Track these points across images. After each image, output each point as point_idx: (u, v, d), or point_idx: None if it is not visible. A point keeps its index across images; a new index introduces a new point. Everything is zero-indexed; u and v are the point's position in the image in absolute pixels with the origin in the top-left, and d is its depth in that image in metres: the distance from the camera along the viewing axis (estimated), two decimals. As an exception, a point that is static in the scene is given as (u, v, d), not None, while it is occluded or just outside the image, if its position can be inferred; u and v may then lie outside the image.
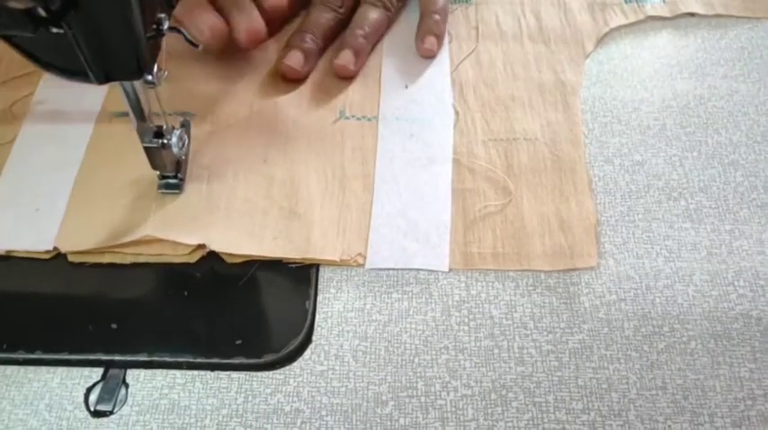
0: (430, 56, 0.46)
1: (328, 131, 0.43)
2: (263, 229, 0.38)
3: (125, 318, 0.36)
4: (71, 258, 0.38)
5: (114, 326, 0.36)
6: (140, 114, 0.35)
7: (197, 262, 0.38)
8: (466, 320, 0.36)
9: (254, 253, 0.38)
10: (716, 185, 0.41)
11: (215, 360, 0.35)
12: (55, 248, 0.38)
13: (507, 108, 0.44)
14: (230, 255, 0.38)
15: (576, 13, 0.49)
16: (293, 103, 0.44)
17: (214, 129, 0.43)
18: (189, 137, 0.40)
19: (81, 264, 0.38)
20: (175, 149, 0.37)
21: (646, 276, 0.37)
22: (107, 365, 0.35)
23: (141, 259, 0.38)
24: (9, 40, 0.29)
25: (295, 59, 0.44)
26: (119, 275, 0.38)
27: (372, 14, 0.46)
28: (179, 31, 0.34)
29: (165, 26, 0.32)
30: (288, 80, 0.45)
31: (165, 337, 0.35)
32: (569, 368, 0.35)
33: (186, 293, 0.37)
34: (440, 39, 0.46)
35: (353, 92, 0.45)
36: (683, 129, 0.43)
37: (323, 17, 0.46)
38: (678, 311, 0.36)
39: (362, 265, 0.38)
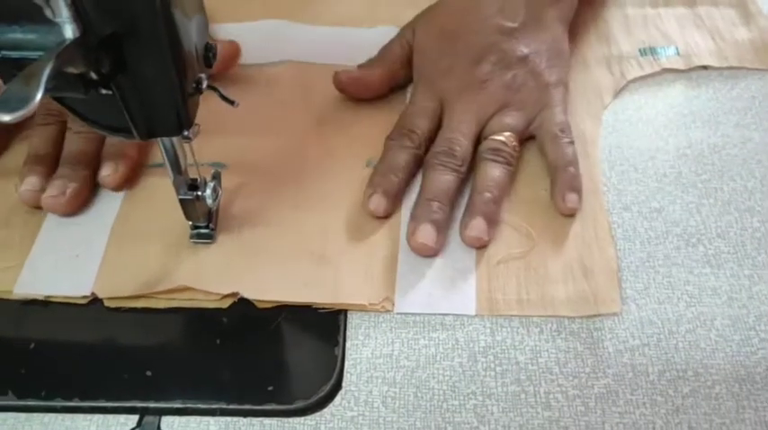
0: (573, 214, 0.42)
1: (356, 178, 0.44)
2: (294, 275, 0.40)
3: (159, 366, 0.37)
4: (107, 303, 0.39)
5: (149, 373, 0.36)
6: (177, 168, 0.36)
7: (228, 309, 0.39)
8: (492, 366, 0.37)
9: (284, 299, 0.39)
10: (733, 231, 0.42)
11: (247, 406, 0.35)
12: (93, 294, 0.39)
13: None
14: (261, 301, 0.39)
15: (594, 67, 0.51)
16: (322, 152, 0.46)
17: (244, 180, 0.44)
18: (221, 188, 0.41)
19: (117, 311, 0.39)
20: (209, 201, 0.38)
21: (668, 321, 0.38)
22: (142, 412, 0.35)
23: (174, 304, 0.39)
24: (61, 100, 0.31)
25: (428, 234, 0.40)
26: (153, 323, 0.39)
27: (496, 172, 0.42)
28: (216, 90, 0.36)
29: (204, 85, 0.34)
30: (422, 256, 0.41)
31: (198, 384, 0.36)
32: (596, 413, 0.35)
33: (218, 341, 0.38)
34: (580, 194, 0.42)
35: (381, 141, 0.45)
36: (698, 177, 0.44)
37: (445, 180, 0.42)
38: (701, 356, 0.37)
39: (390, 311, 0.39)
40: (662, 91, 0.50)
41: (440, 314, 0.39)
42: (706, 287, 0.39)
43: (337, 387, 0.36)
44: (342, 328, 0.38)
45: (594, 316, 0.38)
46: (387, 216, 0.42)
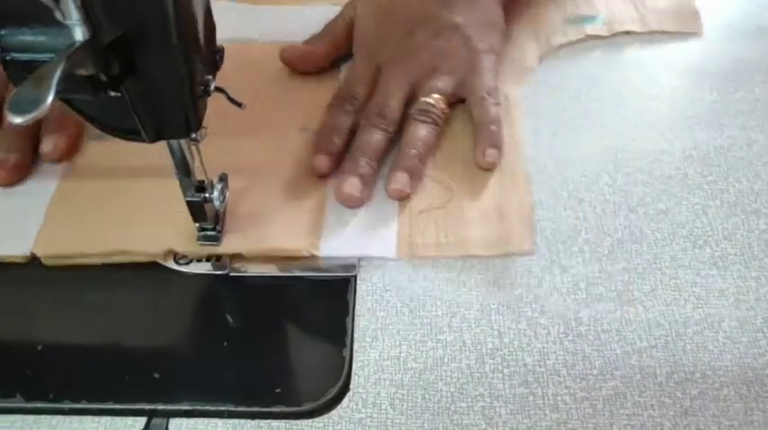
0: (491, 168, 0.45)
1: (292, 141, 0.47)
2: (228, 229, 0.42)
3: (167, 368, 0.37)
4: (45, 262, 0.41)
5: (157, 375, 0.36)
6: (185, 171, 0.36)
7: (235, 312, 0.39)
8: (500, 368, 0.37)
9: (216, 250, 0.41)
10: (740, 233, 0.42)
11: (255, 408, 0.35)
12: (32, 254, 0.41)
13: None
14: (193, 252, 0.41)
15: (523, 36, 0.54)
16: (260, 120, 0.48)
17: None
18: (228, 189, 0.41)
19: (125, 316, 0.39)
20: (217, 203, 0.38)
21: (675, 323, 0.38)
22: (150, 414, 0.35)
23: (113, 259, 0.41)
24: (69, 102, 0.31)
25: (353, 186, 0.43)
26: (161, 326, 0.39)
27: (423, 131, 0.46)
28: (224, 92, 0.36)
29: (212, 87, 0.34)
30: (348, 206, 0.44)
31: (206, 386, 0.36)
32: (604, 415, 0.35)
33: (225, 343, 0.38)
34: (500, 149, 0.45)
35: (318, 109, 0.48)
36: (704, 179, 0.44)
37: (374, 138, 0.45)
38: (709, 358, 0.37)
39: (316, 255, 0.41)
40: (665, 92, 0.50)
41: (364, 257, 0.41)
42: (713, 289, 0.39)
43: (345, 389, 0.36)
44: (349, 330, 0.38)
45: (507, 254, 0.41)
46: (328, 174, 0.45)
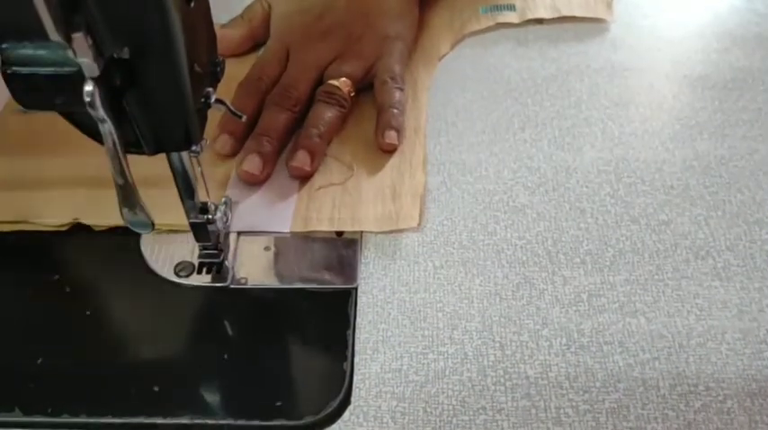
0: (391, 149, 0.47)
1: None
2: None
3: (167, 381, 0.36)
4: None
5: (156, 388, 0.36)
6: (189, 193, 0.36)
7: (236, 324, 0.39)
8: (502, 380, 0.36)
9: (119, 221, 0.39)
10: (742, 244, 0.42)
11: (255, 422, 0.35)
12: None
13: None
14: (97, 225, 0.43)
15: (437, 25, 0.56)
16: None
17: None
18: (231, 212, 0.41)
19: (125, 329, 0.39)
20: (219, 224, 0.38)
21: (678, 334, 0.38)
22: (149, 429, 0.35)
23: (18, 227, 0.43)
24: (69, 116, 0.31)
25: (253, 164, 0.44)
26: (161, 339, 0.38)
27: (326, 112, 0.47)
28: (224, 104, 0.36)
29: (212, 99, 0.34)
30: (248, 184, 0.45)
31: (206, 400, 0.36)
32: (607, 428, 0.35)
33: (226, 356, 0.38)
34: (400, 132, 0.47)
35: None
36: (706, 189, 0.44)
37: (278, 118, 0.47)
38: (712, 370, 0.36)
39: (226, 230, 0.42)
40: (666, 102, 0.50)
41: (261, 232, 0.42)
42: (716, 300, 0.39)
43: (346, 402, 0.36)
44: (350, 343, 0.38)
45: (395, 231, 0.42)
46: (233, 155, 0.46)
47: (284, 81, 0.49)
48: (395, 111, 0.47)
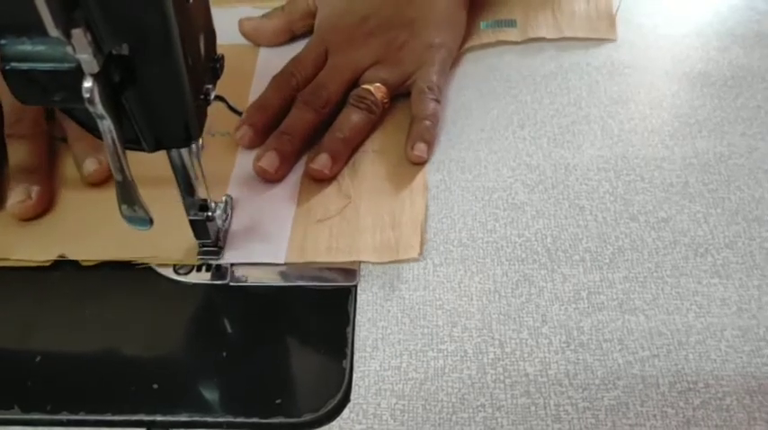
0: (420, 162, 0.46)
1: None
2: (113, 235, 0.41)
3: (166, 379, 0.36)
4: None
5: (155, 386, 0.36)
6: (188, 189, 0.36)
7: (235, 322, 0.39)
8: (501, 378, 0.36)
9: (106, 256, 0.41)
10: (741, 241, 0.42)
11: (255, 419, 0.35)
12: None
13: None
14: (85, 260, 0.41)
15: None
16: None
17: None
18: (231, 208, 0.41)
19: (124, 326, 0.39)
20: (219, 222, 0.38)
21: (677, 332, 0.38)
22: (149, 426, 0.35)
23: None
24: (69, 113, 0.31)
25: (270, 162, 0.44)
26: (160, 336, 0.38)
27: (354, 117, 0.46)
28: (224, 100, 0.36)
29: (212, 96, 0.34)
30: (262, 179, 0.45)
31: (205, 397, 0.36)
32: (606, 425, 0.35)
33: (225, 353, 0.38)
34: (430, 145, 0.46)
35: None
36: (705, 186, 0.44)
37: (304, 118, 0.46)
38: (712, 367, 0.37)
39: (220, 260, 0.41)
40: (666, 100, 0.50)
41: (255, 264, 0.41)
42: (715, 297, 0.39)
43: (345, 400, 0.36)
44: (350, 340, 0.38)
45: (396, 261, 0.41)
46: (251, 147, 0.45)
47: (317, 80, 0.48)
48: (427, 123, 0.46)
